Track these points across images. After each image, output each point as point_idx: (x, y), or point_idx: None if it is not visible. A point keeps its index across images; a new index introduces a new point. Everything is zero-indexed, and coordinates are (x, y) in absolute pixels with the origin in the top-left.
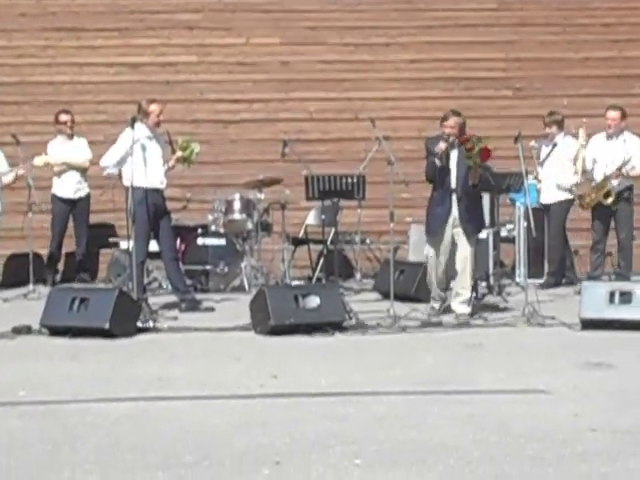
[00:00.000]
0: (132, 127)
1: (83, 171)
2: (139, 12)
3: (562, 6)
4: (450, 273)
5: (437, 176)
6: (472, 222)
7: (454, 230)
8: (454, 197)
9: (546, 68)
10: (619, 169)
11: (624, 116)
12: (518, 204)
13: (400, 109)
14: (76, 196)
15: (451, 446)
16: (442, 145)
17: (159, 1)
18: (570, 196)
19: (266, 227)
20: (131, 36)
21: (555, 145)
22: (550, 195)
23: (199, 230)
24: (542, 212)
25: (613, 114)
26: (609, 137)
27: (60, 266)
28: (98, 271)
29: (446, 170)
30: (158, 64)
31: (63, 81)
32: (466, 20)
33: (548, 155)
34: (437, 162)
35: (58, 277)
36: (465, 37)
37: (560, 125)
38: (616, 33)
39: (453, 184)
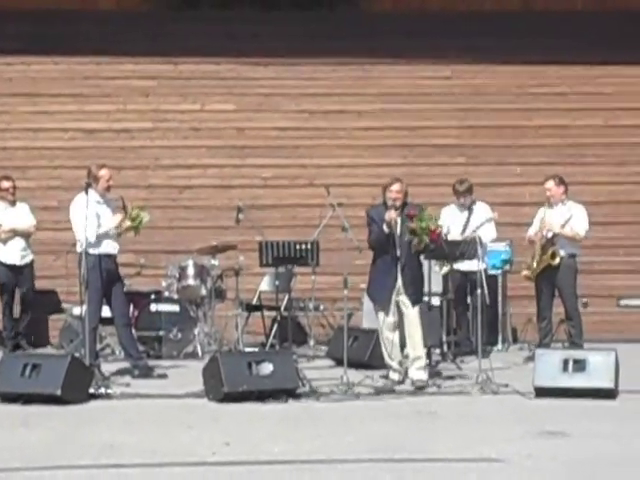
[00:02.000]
0: (86, 193)
1: (27, 237)
2: (95, 78)
3: (515, 75)
4: (402, 341)
5: (383, 244)
6: (416, 289)
7: (399, 298)
8: (399, 265)
9: (499, 136)
10: (562, 226)
11: (561, 183)
12: None
13: (354, 176)
14: (22, 262)
15: None
16: (393, 214)
17: (114, 67)
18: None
19: (220, 293)
20: (86, 102)
21: (471, 211)
22: (472, 263)
23: (152, 296)
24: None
25: (548, 185)
26: (550, 206)
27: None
28: (49, 337)
29: (391, 238)
30: (113, 130)
31: (17, 146)
32: (420, 88)
33: (467, 222)
34: (386, 229)
35: (24, 342)
36: (419, 105)
37: (471, 192)
38: (569, 102)
39: (398, 252)
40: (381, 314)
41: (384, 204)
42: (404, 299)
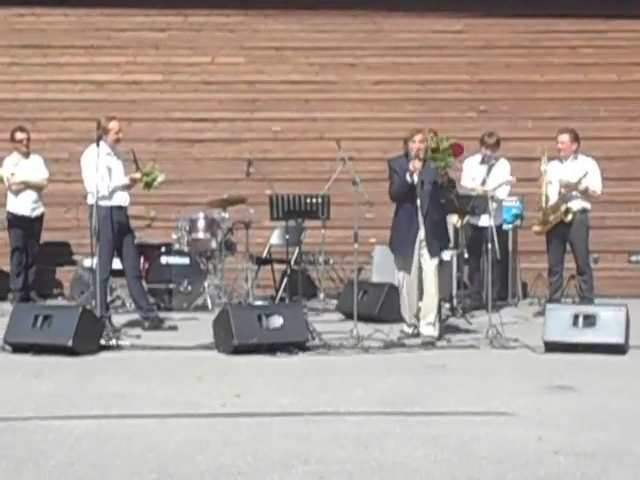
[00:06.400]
0: (98, 145)
1: (39, 190)
2: (105, 30)
3: (528, 28)
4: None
5: (405, 195)
6: (437, 241)
7: (420, 251)
8: (420, 215)
9: (511, 90)
10: (577, 184)
11: (575, 139)
12: None
13: (365, 130)
14: (33, 214)
15: (413, 467)
16: (417, 163)
17: (125, 19)
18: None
19: (230, 246)
20: (97, 54)
21: (492, 166)
22: (485, 218)
23: (163, 248)
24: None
25: (563, 138)
26: (561, 160)
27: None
28: (53, 288)
29: (413, 188)
30: (123, 82)
31: (28, 98)
32: (432, 42)
33: (486, 177)
34: (409, 179)
35: (33, 294)
36: (431, 59)
37: (498, 146)
38: (582, 56)
39: (419, 202)
40: (401, 265)
41: (405, 155)
42: (425, 252)
